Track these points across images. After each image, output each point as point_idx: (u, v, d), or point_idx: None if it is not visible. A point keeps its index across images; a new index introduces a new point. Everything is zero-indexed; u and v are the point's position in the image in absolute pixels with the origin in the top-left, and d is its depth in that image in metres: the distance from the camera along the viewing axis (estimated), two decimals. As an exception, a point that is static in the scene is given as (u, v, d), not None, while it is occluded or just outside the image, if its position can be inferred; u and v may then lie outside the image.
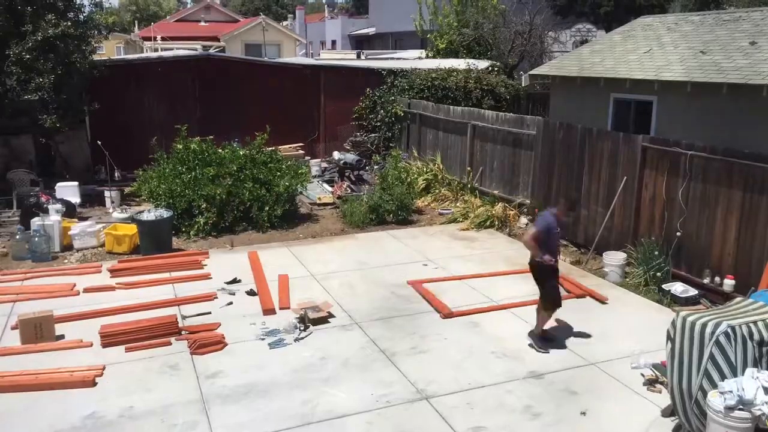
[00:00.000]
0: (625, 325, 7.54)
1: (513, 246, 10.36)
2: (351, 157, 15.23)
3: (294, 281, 8.81)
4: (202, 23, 44.33)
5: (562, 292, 7.49)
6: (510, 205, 11.67)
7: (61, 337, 7.01)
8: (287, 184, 11.38)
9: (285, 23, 52.73)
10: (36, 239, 9.60)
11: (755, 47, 12.19)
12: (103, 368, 6.36)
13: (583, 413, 5.72)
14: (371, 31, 45.72)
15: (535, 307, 7.11)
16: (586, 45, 17.77)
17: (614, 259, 8.96)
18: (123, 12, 60.30)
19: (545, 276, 6.85)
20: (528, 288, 7.77)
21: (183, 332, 7.13)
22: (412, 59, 23.18)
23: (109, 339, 6.86)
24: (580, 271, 9.36)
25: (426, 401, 5.91)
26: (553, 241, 6.82)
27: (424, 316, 7.72)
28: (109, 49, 32.52)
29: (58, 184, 12.15)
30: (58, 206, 10.42)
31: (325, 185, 14.15)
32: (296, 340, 7.05)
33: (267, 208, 11.09)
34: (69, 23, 12.55)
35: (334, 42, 50.40)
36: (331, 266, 9.40)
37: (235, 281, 8.76)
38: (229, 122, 14.96)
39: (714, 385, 4.97)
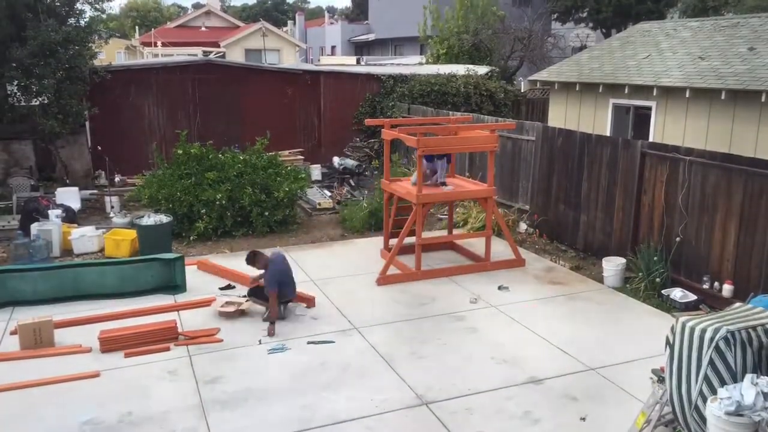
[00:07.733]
0: (625, 330, 7.54)
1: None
2: (350, 162, 15.26)
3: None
4: (203, 29, 44.42)
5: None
6: (509, 211, 11.67)
7: (60, 342, 7.00)
8: (287, 189, 11.38)
9: (285, 29, 52.81)
10: (36, 244, 9.60)
11: (754, 53, 12.24)
12: (102, 374, 6.35)
13: (583, 419, 5.71)
14: (371, 36, 45.86)
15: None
16: (585, 51, 17.84)
17: (614, 264, 8.96)
18: (124, 17, 60.47)
19: None
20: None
21: (182, 337, 7.13)
22: (412, 65, 23.26)
23: (108, 344, 6.86)
24: (580, 276, 9.36)
25: (426, 407, 5.90)
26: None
27: (423, 322, 7.71)
28: (110, 55, 32.59)
29: (58, 189, 12.16)
30: (58, 211, 10.42)
31: (325, 190, 14.16)
32: (308, 343, 7.11)
33: (267, 213, 11.09)
34: (70, 28, 12.60)
35: (333, 47, 50.51)
36: (330, 271, 9.39)
37: (228, 287, 8.76)
38: (229, 127, 14.98)
39: (713, 391, 4.96)
